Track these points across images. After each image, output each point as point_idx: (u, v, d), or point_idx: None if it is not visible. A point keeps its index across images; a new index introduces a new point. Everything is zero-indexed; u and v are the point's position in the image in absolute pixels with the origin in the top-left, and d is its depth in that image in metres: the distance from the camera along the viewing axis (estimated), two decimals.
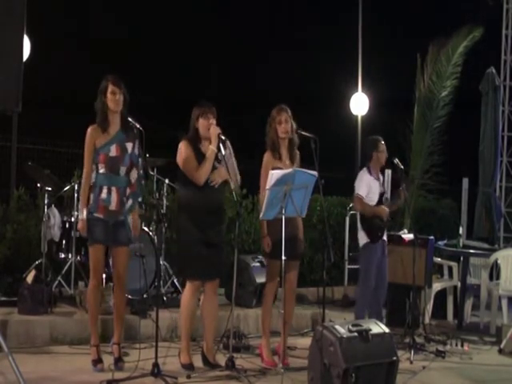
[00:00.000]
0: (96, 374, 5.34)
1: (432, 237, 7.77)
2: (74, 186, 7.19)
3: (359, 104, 12.39)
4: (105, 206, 5.40)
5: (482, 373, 6.20)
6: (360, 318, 6.55)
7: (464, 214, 10.84)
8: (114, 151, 5.42)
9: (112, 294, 6.17)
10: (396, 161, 6.95)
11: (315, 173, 5.65)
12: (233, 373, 5.43)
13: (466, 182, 10.95)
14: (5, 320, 6.05)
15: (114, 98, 5.40)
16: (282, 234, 5.43)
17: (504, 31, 11.15)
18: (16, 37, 4.57)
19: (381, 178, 7.07)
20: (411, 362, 6.23)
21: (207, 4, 17.83)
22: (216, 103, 5.64)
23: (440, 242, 8.38)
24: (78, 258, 7.08)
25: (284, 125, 5.90)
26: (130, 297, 6.45)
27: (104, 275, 6.25)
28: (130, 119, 5.45)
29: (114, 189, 5.43)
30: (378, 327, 5.23)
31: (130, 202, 5.53)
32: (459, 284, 8.26)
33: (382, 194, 6.95)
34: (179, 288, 7.22)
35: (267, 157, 5.95)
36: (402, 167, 7.07)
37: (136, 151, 5.52)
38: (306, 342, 5.95)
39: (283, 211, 5.46)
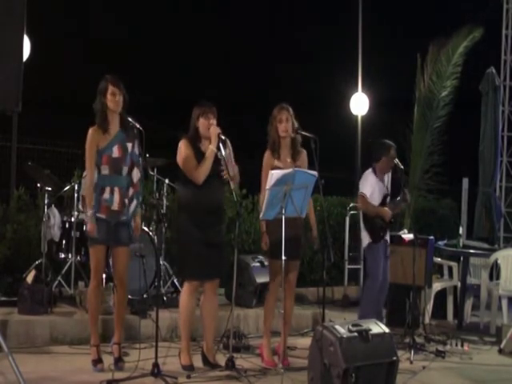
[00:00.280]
0: (96, 373, 5.34)
1: (432, 237, 7.77)
2: (73, 186, 7.19)
3: (359, 104, 12.39)
4: (107, 206, 5.39)
5: (482, 373, 6.20)
6: (365, 317, 6.51)
7: (464, 214, 10.84)
8: (116, 152, 5.41)
9: (112, 294, 6.18)
10: (396, 161, 6.96)
11: (315, 173, 5.66)
12: (233, 373, 5.43)
13: (466, 182, 10.96)
14: (5, 320, 6.05)
15: (113, 99, 5.39)
16: (282, 234, 5.43)
17: (504, 31, 11.16)
18: (16, 37, 4.58)
19: (385, 180, 7.08)
20: (411, 362, 6.23)
21: (207, 4, 17.84)
22: (216, 103, 5.64)
23: (440, 242, 8.38)
24: (78, 257, 7.08)
25: (284, 124, 5.90)
26: (130, 297, 6.45)
27: (104, 275, 6.25)
28: (129, 119, 5.45)
29: (116, 189, 5.42)
30: (378, 327, 5.23)
31: (134, 202, 5.52)
32: (459, 284, 8.26)
33: (385, 196, 6.96)
34: (179, 288, 7.21)
35: (267, 156, 5.95)
36: (402, 167, 7.07)
37: (136, 150, 5.52)
38: (306, 342, 5.95)
39: (283, 211, 5.47)
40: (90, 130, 5.42)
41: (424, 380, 5.79)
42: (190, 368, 5.51)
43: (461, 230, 8.51)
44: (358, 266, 9.13)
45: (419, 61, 10.24)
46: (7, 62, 4.48)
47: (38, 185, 7.40)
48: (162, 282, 7.26)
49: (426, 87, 10.24)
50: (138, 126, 5.43)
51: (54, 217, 7.19)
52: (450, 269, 8.68)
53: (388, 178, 7.15)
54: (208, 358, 5.65)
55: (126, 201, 5.47)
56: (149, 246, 6.80)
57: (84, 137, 5.47)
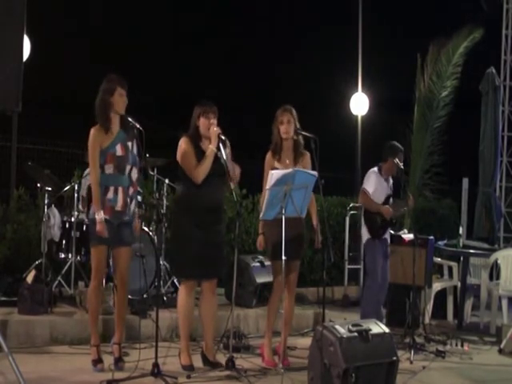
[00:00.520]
0: (96, 373, 5.33)
1: (432, 237, 7.77)
2: (73, 186, 7.19)
3: (359, 104, 12.40)
4: (111, 206, 5.39)
5: (482, 373, 6.20)
6: (368, 316, 6.51)
7: (464, 214, 10.84)
8: (119, 150, 5.41)
9: (112, 294, 6.18)
10: (396, 161, 6.96)
11: (315, 173, 5.66)
12: (233, 373, 5.43)
13: (466, 182, 10.96)
14: (5, 320, 6.05)
15: (121, 100, 5.40)
16: (282, 234, 5.43)
17: (504, 31, 11.15)
18: (16, 37, 4.58)
19: (390, 181, 7.09)
20: (411, 362, 6.23)
21: (207, 4, 17.84)
22: (216, 103, 5.64)
23: (440, 242, 8.38)
24: (78, 257, 7.08)
25: (285, 125, 5.90)
26: (130, 297, 6.45)
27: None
28: (129, 119, 5.44)
29: (120, 189, 5.41)
30: (378, 327, 5.23)
31: (134, 202, 5.53)
32: (459, 284, 8.25)
33: (388, 197, 6.97)
34: (179, 288, 7.21)
35: (267, 157, 5.96)
36: (402, 167, 7.07)
37: (135, 150, 5.52)
38: (306, 341, 5.95)
39: (283, 211, 5.47)
40: (93, 130, 5.40)
41: (424, 380, 5.79)
42: (190, 368, 5.50)
43: (461, 230, 8.51)
44: (358, 266, 9.13)
45: (419, 61, 10.25)
46: (7, 62, 4.48)
47: (38, 185, 7.40)
48: (162, 282, 7.26)
49: (426, 87, 10.24)
50: (137, 125, 5.42)
51: (54, 217, 7.19)
52: (450, 269, 8.68)
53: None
54: (208, 357, 5.64)
55: (129, 200, 5.47)
56: (149, 246, 6.81)
57: (84, 137, 5.46)
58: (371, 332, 5.10)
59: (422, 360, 6.37)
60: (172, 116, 10.94)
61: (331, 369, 4.90)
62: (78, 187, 7.23)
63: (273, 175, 5.40)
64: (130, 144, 5.48)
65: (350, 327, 5.06)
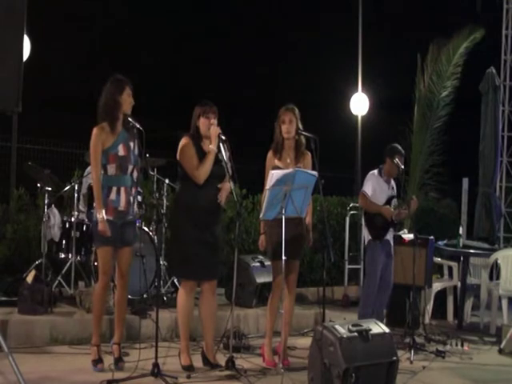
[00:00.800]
0: (96, 373, 5.33)
1: (432, 237, 7.77)
2: (73, 186, 7.19)
3: (359, 104, 12.40)
4: (114, 207, 5.38)
5: (481, 373, 6.19)
6: (365, 317, 6.51)
7: (464, 214, 10.84)
8: (122, 150, 5.40)
9: (112, 294, 6.18)
10: (396, 161, 6.94)
11: (315, 173, 5.65)
12: (233, 373, 5.43)
13: (466, 182, 10.96)
14: (5, 320, 6.05)
15: (129, 100, 5.41)
16: (282, 235, 5.43)
17: (504, 31, 11.15)
18: (16, 37, 4.56)
19: (392, 182, 7.06)
20: (411, 362, 6.23)
21: (207, 4, 17.84)
22: (216, 103, 5.64)
23: (440, 242, 8.38)
24: (78, 257, 7.08)
25: (287, 125, 5.89)
26: (130, 297, 6.45)
27: None
28: (130, 119, 5.44)
29: (122, 189, 5.40)
30: (378, 327, 5.23)
31: (136, 201, 5.53)
32: (459, 284, 8.26)
33: (390, 198, 6.95)
34: (179, 288, 7.21)
35: (268, 156, 5.95)
36: (403, 167, 7.06)
37: (136, 150, 5.52)
38: (306, 341, 5.95)
39: (283, 211, 5.47)
40: (95, 130, 5.37)
41: (424, 380, 5.79)
42: (190, 368, 5.50)
43: (461, 230, 8.51)
44: (358, 266, 9.14)
45: (419, 61, 10.25)
46: (7, 61, 4.47)
47: (38, 185, 7.40)
48: (162, 282, 7.27)
49: (425, 87, 10.25)
50: (138, 125, 5.42)
51: (54, 217, 7.18)
52: (450, 269, 8.68)
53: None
54: (208, 357, 5.64)
55: (131, 200, 5.47)
56: (149, 246, 6.81)
57: (84, 136, 5.46)
58: (371, 332, 5.10)
59: (422, 360, 6.37)
60: (172, 116, 10.94)
61: (331, 369, 4.91)
62: (78, 187, 7.23)
63: (273, 175, 5.39)
64: (131, 144, 5.48)
65: (350, 327, 5.07)
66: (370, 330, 5.12)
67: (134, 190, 5.50)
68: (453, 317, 8.44)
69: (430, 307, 8.15)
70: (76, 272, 7.07)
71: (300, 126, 5.92)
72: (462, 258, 8.23)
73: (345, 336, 4.95)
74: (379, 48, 15.20)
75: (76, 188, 7.18)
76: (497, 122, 10.37)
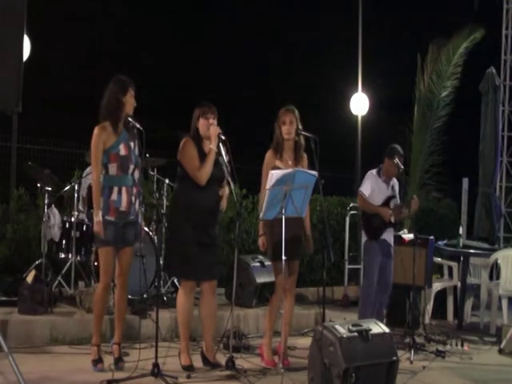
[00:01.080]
0: (96, 373, 5.33)
1: (432, 237, 7.77)
2: (73, 186, 7.19)
3: (359, 104, 12.40)
4: (116, 207, 5.37)
5: (482, 373, 6.19)
6: (364, 317, 6.52)
7: (464, 214, 10.85)
8: (123, 150, 5.39)
9: (112, 294, 6.18)
10: (396, 161, 6.94)
11: (315, 173, 5.65)
12: (233, 373, 5.42)
13: (465, 182, 10.96)
14: (5, 320, 6.05)
15: (132, 101, 5.41)
16: (283, 235, 5.43)
17: (504, 31, 11.15)
18: (16, 37, 4.57)
19: (391, 182, 7.04)
20: (411, 362, 6.23)
21: (207, 4, 17.84)
22: (216, 103, 5.64)
23: (440, 242, 8.38)
24: (78, 257, 7.08)
25: (287, 126, 5.88)
26: (130, 297, 6.45)
27: None
28: (130, 119, 5.44)
29: (124, 189, 5.39)
30: (378, 327, 5.23)
31: (138, 201, 5.52)
32: (459, 284, 8.26)
33: (389, 198, 6.94)
34: (179, 288, 7.21)
35: (268, 156, 5.94)
36: (403, 167, 7.06)
37: (136, 150, 5.52)
38: (306, 341, 5.95)
39: (283, 211, 5.46)
40: (96, 129, 5.35)
41: (424, 380, 5.79)
42: (190, 368, 5.50)
43: (461, 230, 8.51)
44: (358, 266, 9.13)
45: (419, 61, 10.26)
46: (7, 61, 4.47)
47: (38, 185, 7.40)
48: (162, 282, 7.27)
49: (425, 87, 10.26)
50: (138, 125, 5.42)
51: (54, 217, 7.18)
52: (450, 269, 8.68)
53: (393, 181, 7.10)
54: (208, 357, 5.64)
55: (133, 199, 5.47)
56: (149, 246, 6.81)
57: (84, 136, 5.46)
58: (371, 332, 5.10)
59: (422, 360, 6.37)
60: (172, 116, 10.94)
61: (331, 369, 4.91)
62: (78, 187, 7.23)
63: (273, 175, 5.39)
64: (132, 144, 5.48)
65: (350, 327, 5.07)
66: (370, 329, 5.12)
67: (135, 190, 5.50)
68: (453, 317, 8.44)
69: (429, 307, 8.15)
70: (76, 272, 7.07)
71: (300, 127, 5.92)
72: (462, 258, 8.23)
73: (345, 336, 4.95)
74: (379, 48, 15.19)
75: (76, 188, 7.18)
76: (497, 122, 10.37)
